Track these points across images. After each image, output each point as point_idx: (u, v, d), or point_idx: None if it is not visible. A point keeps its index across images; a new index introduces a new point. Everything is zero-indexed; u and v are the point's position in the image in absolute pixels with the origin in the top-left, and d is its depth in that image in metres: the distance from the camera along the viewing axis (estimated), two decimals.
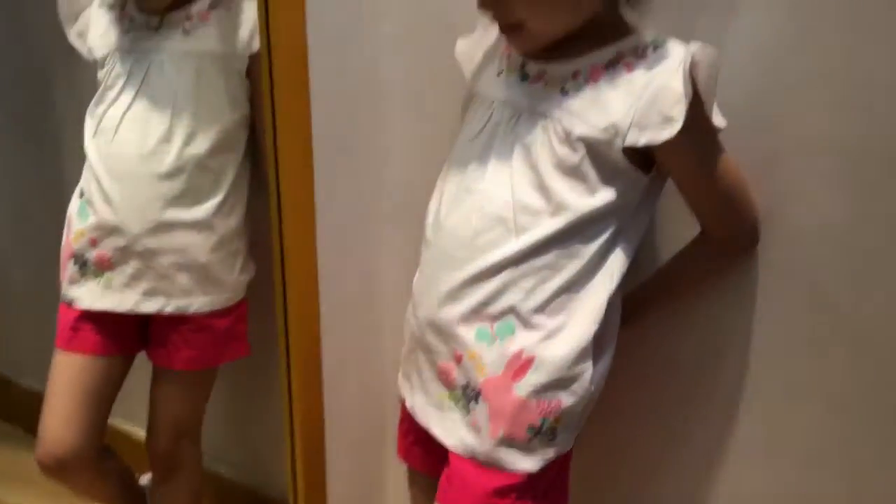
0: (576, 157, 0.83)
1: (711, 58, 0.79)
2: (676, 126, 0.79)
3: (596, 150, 0.82)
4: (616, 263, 0.86)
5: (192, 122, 1.15)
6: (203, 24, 1.16)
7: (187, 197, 1.17)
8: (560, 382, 0.84)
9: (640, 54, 0.83)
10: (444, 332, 0.88)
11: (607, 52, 0.84)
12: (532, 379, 0.84)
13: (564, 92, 0.85)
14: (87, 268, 1.20)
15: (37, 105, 1.50)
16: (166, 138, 1.16)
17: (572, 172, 0.83)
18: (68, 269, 1.21)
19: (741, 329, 0.93)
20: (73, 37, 1.26)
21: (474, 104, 0.94)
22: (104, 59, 1.22)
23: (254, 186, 1.23)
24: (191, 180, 1.16)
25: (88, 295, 1.20)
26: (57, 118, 1.47)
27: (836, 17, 0.81)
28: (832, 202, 0.85)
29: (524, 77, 0.88)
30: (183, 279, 1.19)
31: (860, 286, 0.86)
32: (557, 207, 0.83)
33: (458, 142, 0.93)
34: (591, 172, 0.83)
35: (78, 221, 1.21)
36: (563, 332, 0.85)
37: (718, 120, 0.83)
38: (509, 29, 0.86)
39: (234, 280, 1.23)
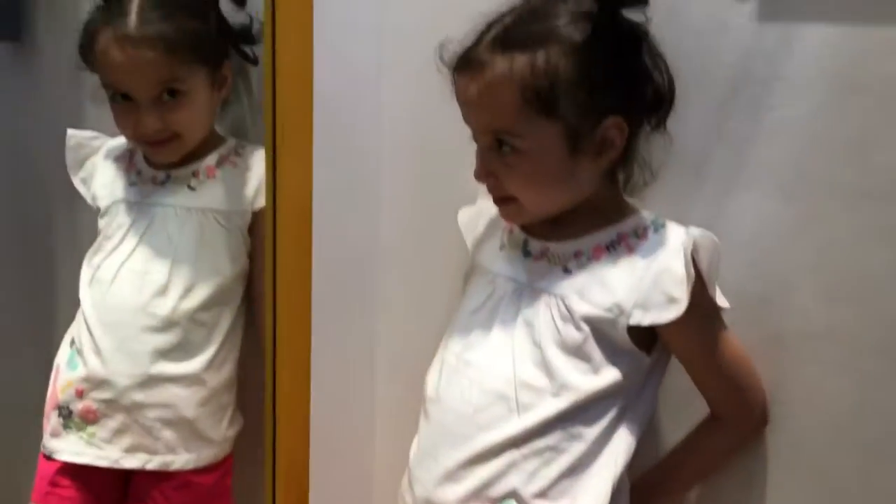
0: (580, 336, 0.83)
1: (713, 242, 0.81)
2: (681, 306, 0.79)
3: (600, 330, 0.83)
4: (621, 445, 0.84)
5: (190, 276, 1.15)
6: (209, 181, 1.18)
7: (179, 351, 1.15)
8: None
9: (641, 235, 0.84)
10: None
11: (609, 233, 0.85)
12: None
13: (567, 270, 0.86)
14: (71, 420, 1.17)
15: (35, 248, 1.50)
16: (162, 292, 1.15)
17: (576, 352, 0.83)
18: (51, 419, 1.18)
19: None
20: (77, 182, 1.28)
21: (476, 276, 0.95)
22: (107, 208, 1.23)
23: (245, 338, 1.22)
24: (183, 334, 1.15)
25: (69, 448, 1.17)
26: (54, 263, 1.47)
27: (831, 206, 0.83)
28: (833, 389, 0.84)
29: (527, 254, 0.89)
30: (168, 434, 1.15)
31: (865, 479, 0.84)
32: (561, 387, 0.83)
33: (460, 313, 0.93)
34: (595, 352, 0.83)
35: (66, 371, 1.19)
36: None
37: (721, 301, 0.84)
38: (502, 201, 0.88)
39: (220, 435, 1.19)
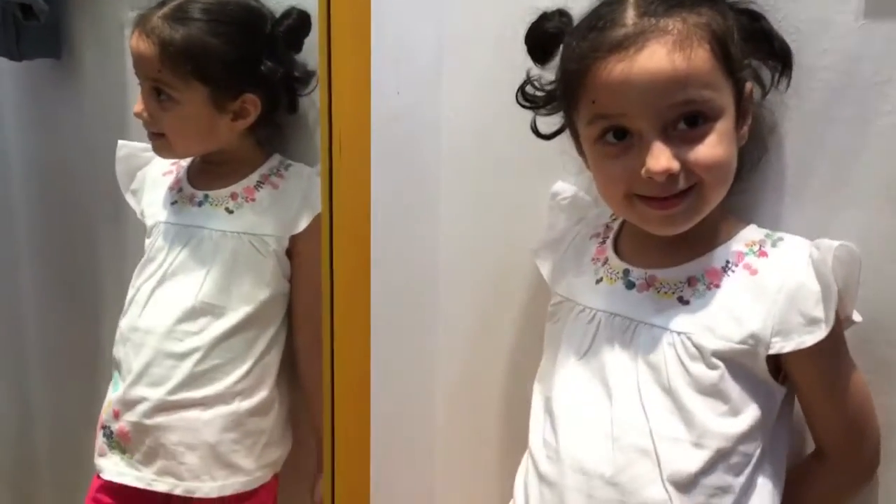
0: (715, 374, 0.74)
1: (851, 253, 0.73)
2: (825, 326, 0.72)
3: (736, 364, 0.74)
4: (766, 491, 0.76)
5: (220, 302, 1.13)
6: (248, 204, 1.15)
7: (204, 376, 1.12)
8: None
9: (759, 252, 0.77)
10: None
11: (721, 254, 0.78)
12: None
13: (684, 301, 0.77)
14: (112, 440, 1.17)
15: (79, 267, 1.48)
16: (189, 317, 1.13)
17: (713, 392, 0.74)
18: (98, 438, 1.18)
19: None
20: (128, 195, 1.26)
21: (566, 313, 0.86)
22: (150, 228, 1.21)
23: (287, 367, 1.18)
24: (209, 359, 1.12)
25: (112, 467, 1.16)
26: (98, 282, 1.45)
27: None
28: None
29: (629, 285, 0.81)
30: (192, 460, 1.12)
31: None
32: (701, 435, 0.74)
33: (558, 357, 0.85)
34: (733, 390, 0.74)
35: (110, 391, 1.18)
36: None
37: (856, 315, 0.77)
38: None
39: (251, 463, 1.15)
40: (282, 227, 1.13)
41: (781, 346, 0.73)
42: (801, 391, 0.79)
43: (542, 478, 0.82)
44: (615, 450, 0.76)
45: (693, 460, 0.74)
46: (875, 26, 0.76)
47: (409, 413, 1.17)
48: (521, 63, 0.89)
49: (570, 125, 0.83)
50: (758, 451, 0.75)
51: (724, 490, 0.74)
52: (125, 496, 1.17)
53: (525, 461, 0.87)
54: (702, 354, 0.75)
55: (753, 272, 0.76)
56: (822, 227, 0.79)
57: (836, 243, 0.73)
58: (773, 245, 0.77)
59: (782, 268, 0.75)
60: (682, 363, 0.75)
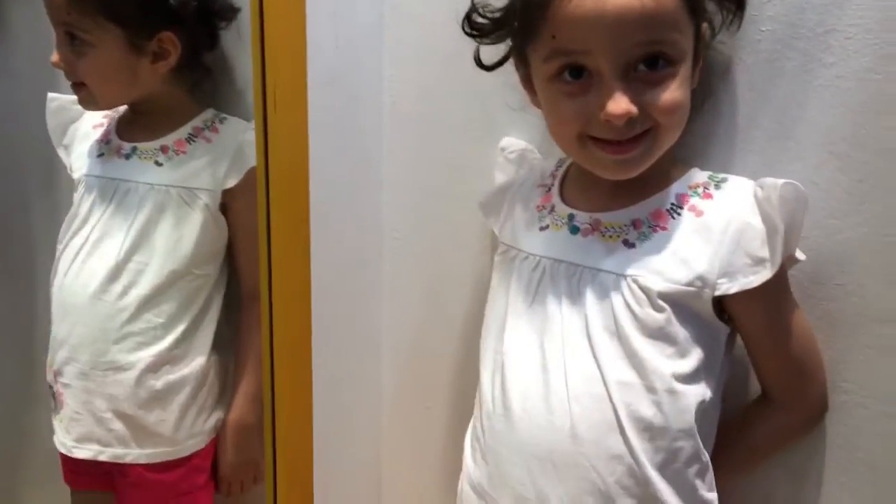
0: (661, 317, 0.73)
1: (797, 191, 0.72)
2: (771, 266, 0.71)
3: (682, 307, 0.73)
4: (708, 430, 0.77)
5: (144, 258, 1.08)
6: (179, 157, 1.11)
7: (132, 339, 1.08)
8: None
9: (703, 194, 0.75)
10: None
11: (665, 196, 0.77)
12: None
13: (630, 244, 0.76)
14: (54, 401, 1.14)
15: (15, 235, 1.41)
16: (114, 276, 1.08)
17: (660, 335, 0.73)
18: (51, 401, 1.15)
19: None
20: (60, 150, 1.22)
21: (510, 262, 0.84)
22: (78, 182, 1.16)
23: (225, 332, 1.15)
24: (136, 322, 1.08)
25: (57, 430, 1.14)
26: (35, 251, 1.39)
27: (890, 174, 0.74)
28: (894, 376, 0.77)
29: (574, 230, 0.79)
30: (119, 426, 1.09)
31: None
32: (655, 380, 0.73)
33: (502, 306, 0.83)
34: (679, 332, 0.73)
35: (49, 353, 1.14)
36: None
37: (799, 254, 0.76)
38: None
39: (182, 431, 1.11)
40: (214, 181, 1.09)
41: (728, 287, 0.72)
42: (745, 332, 0.78)
43: (495, 435, 0.80)
44: (570, 400, 0.74)
45: (649, 406, 0.73)
46: None
47: (354, 377, 1.15)
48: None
49: (518, 57, 0.80)
50: (706, 393, 0.74)
51: (683, 436, 0.73)
52: (73, 462, 1.14)
53: (475, 419, 0.86)
54: (648, 297, 0.73)
55: (699, 213, 0.75)
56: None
57: (780, 181, 0.72)
58: (717, 187, 0.76)
59: (727, 208, 0.74)
60: (630, 307, 0.74)
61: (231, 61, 1.14)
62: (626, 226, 0.77)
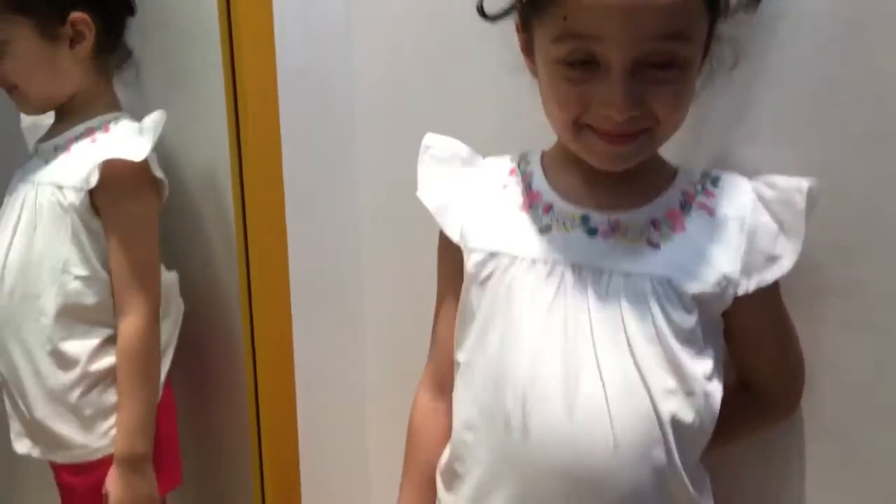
0: (691, 319, 0.72)
1: (804, 189, 0.72)
2: (787, 263, 0.72)
3: (707, 307, 0.73)
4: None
5: (23, 258, 1.08)
6: (63, 155, 1.10)
7: (25, 342, 1.08)
8: None
9: (707, 193, 0.75)
10: None
11: (673, 194, 0.76)
12: None
13: (654, 245, 0.74)
14: None
15: None
16: (1, 275, 1.09)
17: (689, 337, 0.72)
18: None
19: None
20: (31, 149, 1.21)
21: (500, 270, 0.77)
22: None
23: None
24: (27, 323, 1.08)
25: None
26: None
27: (842, 153, 0.77)
28: (851, 349, 0.79)
29: (591, 232, 0.75)
30: (38, 426, 1.09)
31: (887, 444, 0.79)
32: (690, 383, 0.71)
33: (505, 318, 0.76)
34: (699, 334, 0.72)
35: None
36: (706, 493, 0.78)
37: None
38: (634, 136, 0.71)
39: (87, 438, 1.09)
40: (80, 179, 1.06)
41: (746, 286, 0.73)
42: (745, 331, 0.77)
43: (509, 459, 0.74)
44: (612, 417, 0.70)
45: (689, 411, 0.71)
46: None
47: (336, 373, 1.16)
48: (435, 10, 0.86)
49: (525, 26, 0.75)
50: (722, 388, 0.74)
51: (707, 435, 0.74)
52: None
53: (457, 446, 0.80)
54: (681, 300, 0.72)
55: (710, 212, 0.74)
56: (722, 162, 0.81)
57: (804, 184, 0.73)
58: (714, 184, 0.76)
59: (735, 207, 0.74)
60: (665, 311, 0.71)
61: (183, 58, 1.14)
62: (646, 226, 0.74)
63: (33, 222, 1.08)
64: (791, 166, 0.78)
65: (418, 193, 0.84)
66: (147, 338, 1.07)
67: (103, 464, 1.09)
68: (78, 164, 1.07)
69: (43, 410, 1.08)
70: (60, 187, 1.07)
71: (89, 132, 1.11)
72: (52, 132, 1.14)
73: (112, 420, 1.09)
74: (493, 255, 0.78)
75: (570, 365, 0.71)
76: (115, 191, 1.05)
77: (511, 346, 0.75)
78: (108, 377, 1.09)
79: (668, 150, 0.81)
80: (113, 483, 1.07)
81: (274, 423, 1.09)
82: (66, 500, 1.13)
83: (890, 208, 0.76)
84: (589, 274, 0.73)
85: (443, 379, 0.84)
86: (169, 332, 1.13)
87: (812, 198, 0.73)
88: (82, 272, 1.07)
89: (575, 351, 0.72)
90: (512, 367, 0.74)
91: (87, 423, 1.08)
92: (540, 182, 0.79)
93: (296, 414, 1.10)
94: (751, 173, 0.78)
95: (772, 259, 0.73)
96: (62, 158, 1.10)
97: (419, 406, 0.88)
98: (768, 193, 0.74)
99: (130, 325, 1.07)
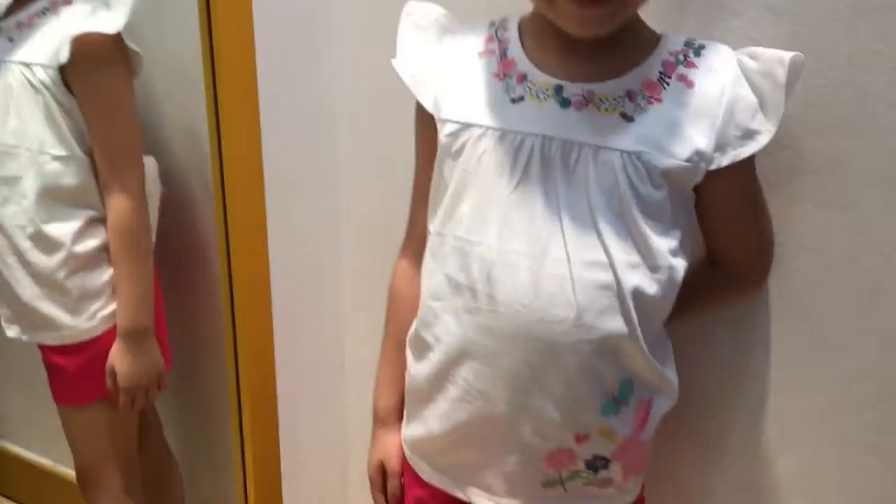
0: (660, 195, 0.71)
1: (795, 60, 0.70)
2: (764, 139, 0.71)
3: (677, 184, 0.71)
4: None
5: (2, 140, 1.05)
6: (28, 32, 1.06)
7: (7, 226, 1.06)
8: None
9: (688, 63, 0.72)
10: (557, 428, 0.75)
11: (652, 64, 0.73)
12: (654, 421, 0.77)
13: (627, 118, 0.71)
14: None
15: None
16: None
17: (656, 212, 0.71)
18: None
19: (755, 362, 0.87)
20: None
21: (471, 141, 0.75)
22: None
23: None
24: (6, 207, 1.06)
25: None
26: None
27: (826, 27, 0.75)
28: (829, 228, 0.79)
29: (564, 103, 0.73)
30: (26, 309, 1.09)
31: (860, 324, 0.80)
32: (655, 257, 0.71)
33: (477, 191, 0.75)
34: (668, 209, 0.71)
35: None
36: (669, 362, 0.78)
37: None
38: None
39: (76, 320, 1.09)
40: (49, 56, 1.02)
41: (720, 160, 0.71)
42: (716, 207, 0.76)
43: (479, 329, 0.75)
44: (575, 291, 0.71)
45: (652, 284, 0.72)
46: None
47: (312, 255, 1.16)
48: None
49: None
50: (685, 262, 0.74)
51: (668, 306, 0.74)
52: None
53: (426, 315, 0.80)
54: (650, 174, 0.70)
55: (689, 84, 0.72)
56: (705, 37, 0.77)
57: (787, 55, 0.70)
58: (697, 54, 0.73)
59: (715, 78, 0.72)
60: (633, 185, 0.70)
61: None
62: (621, 97, 0.72)
63: (5, 104, 1.05)
64: (775, 41, 0.76)
65: (394, 62, 0.82)
66: (139, 213, 1.07)
67: (92, 344, 1.10)
68: (45, 40, 1.03)
69: (30, 292, 1.08)
70: (28, 65, 1.04)
71: (53, 7, 1.06)
72: (12, 8, 1.08)
73: (100, 302, 1.09)
74: (465, 126, 0.76)
75: (536, 237, 0.72)
76: (88, 66, 1.01)
77: (479, 218, 0.75)
78: (94, 258, 1.08)
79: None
80: (119, 358, 1.08)
81: (249, 313, 1.09)
82: (55, 381, 1.14)
83: (873, 85, 0.75)
84: (559, 147, 0.72)
85: (420, 250, 0.84)
86: (150, 215, 1.12)
87: (795, 72, 0.71)
88: (60, 152, 1.05)
89: (542, 223, 0.72)
90: (479, 238, 0.74)
91: (75, 305, 1.08)
92: (515, 50, 0.77)
93: (270, 300, 1.10)
94: (734, 46, 0.75)
95: (748, 134, 0.71)
96: (26, 34, 1.05)
97: (398, 272, 0.89)
98: (750, 64, 0.72)
99: (120, 202, 1.05)
